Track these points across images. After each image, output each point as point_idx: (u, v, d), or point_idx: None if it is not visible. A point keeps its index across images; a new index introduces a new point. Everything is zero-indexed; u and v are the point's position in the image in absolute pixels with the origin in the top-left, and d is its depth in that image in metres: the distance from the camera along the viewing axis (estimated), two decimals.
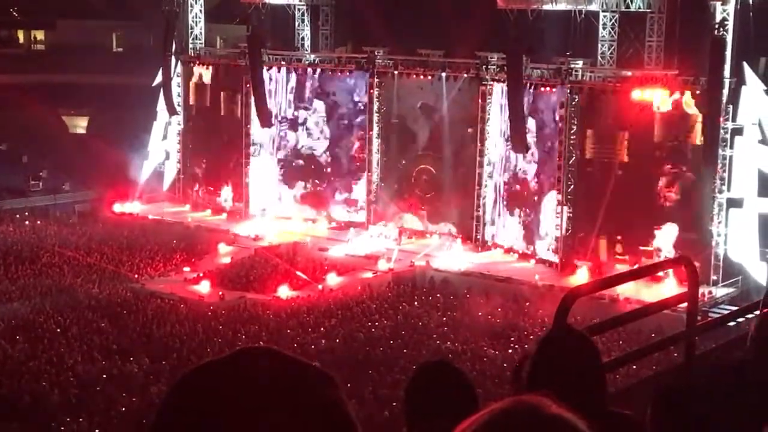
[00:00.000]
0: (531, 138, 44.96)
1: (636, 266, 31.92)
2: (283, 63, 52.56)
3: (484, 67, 46.58)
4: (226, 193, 54.29)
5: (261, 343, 33.12)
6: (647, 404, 3.32)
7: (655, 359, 21.17)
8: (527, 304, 38.79)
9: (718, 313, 29.06)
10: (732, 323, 7.13)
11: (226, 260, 45.93)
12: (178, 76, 55.38)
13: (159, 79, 55.23)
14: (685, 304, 5.80)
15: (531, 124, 44.93)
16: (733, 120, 40.68)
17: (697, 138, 41.11)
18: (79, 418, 26.41)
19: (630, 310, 4.98)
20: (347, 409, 1.59)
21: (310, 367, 1.63)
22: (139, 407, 26.93)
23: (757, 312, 5.39)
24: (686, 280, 5.78)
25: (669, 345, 6.27)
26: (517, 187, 46.21)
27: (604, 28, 47.48)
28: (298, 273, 43.39)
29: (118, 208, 53.55)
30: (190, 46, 55.23)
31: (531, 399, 1.62)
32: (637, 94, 42.15)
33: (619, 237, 42.60)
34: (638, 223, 41.61)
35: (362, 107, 50.91)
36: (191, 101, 55.19)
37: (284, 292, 40.88)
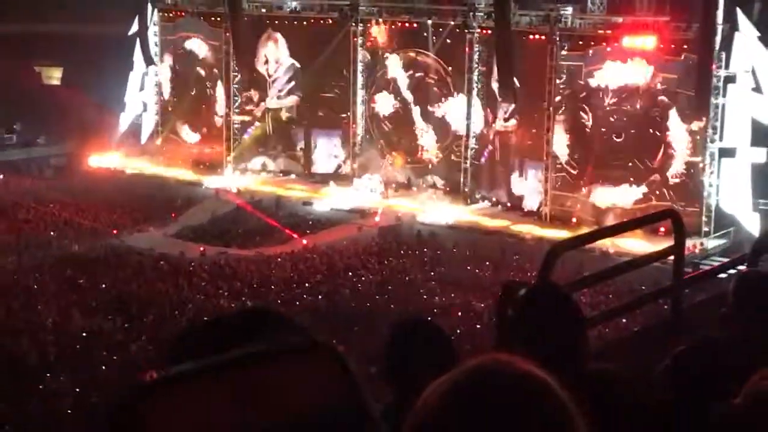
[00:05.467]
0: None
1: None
2: (263, 11, 52.24)
3: (471, 14, 46.36)
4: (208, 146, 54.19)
5: (243, 299, 33.29)
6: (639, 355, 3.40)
7: (644, 313, 21.33)
8: (516, 257, 38.94)
9: (710, 266, 29.25)
10: (723, 275, 7.22)
11: (207, 215, 45.88)
12: (155, 24, 54.97)
13: (135, 27, 54.81)
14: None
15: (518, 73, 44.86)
16: (726, 67, 40.66)
17: None
18: (59, 377, 26.51)
19: (615, 264, 5.04)
20: (358, 386, 1.52)
21: (319, 341, 1.59)
22: (120, 365, 27.02)
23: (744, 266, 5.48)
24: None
25: (655, 299, 6.35)
26: (508, 138, 46.20)
27: None
28: (282, 227, 43.44)
29: (94, 162, 53.33)
30: None
31: (501, 357, 1.63)
32: (627, 41, 42.06)
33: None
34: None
35: None
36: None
37: (267, 247, 40.94)
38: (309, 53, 51.20)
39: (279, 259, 39.03)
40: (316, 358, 1.50)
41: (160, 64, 55.38)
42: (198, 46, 53.83)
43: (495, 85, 45.61)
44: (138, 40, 54.83)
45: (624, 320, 21.29)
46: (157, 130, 56.03)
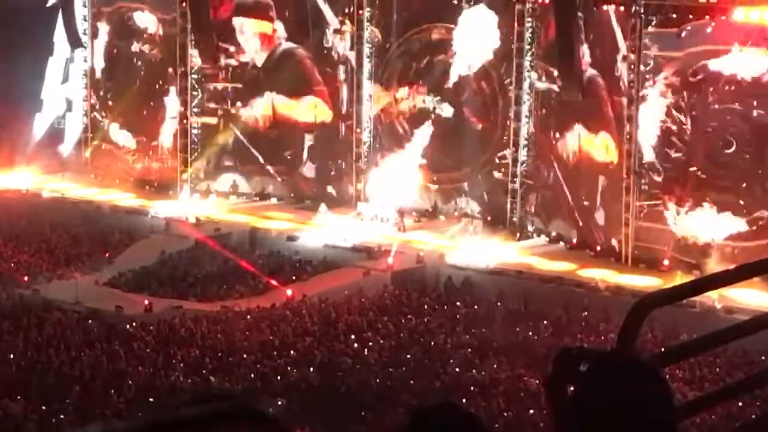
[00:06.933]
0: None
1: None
2: None
3: None
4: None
5: (204, 373, 33.21)
6: None
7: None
8: (585, 314, 38.86)
9: None
10: None
11: (155, 255, 45.94)
12: None
13: None
14: None
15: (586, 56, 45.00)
16: None
17: None
18: None
19: (727, 327, 4.88)
20: None
21: None
22: None
23: None
24: None
25: None
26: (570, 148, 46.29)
27: None
28: (258, 272, 43.43)
29: None
30: None
31: None
32: (741, 15, 42.06)
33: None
34: None
35: None
36: None
37: (237, 299, 40.92)
38: (295, 29, 51.52)
39: (254, 317, 38.99)
40: None
41: (90, 46, 55.59)
42: (143, 20, 54.06)
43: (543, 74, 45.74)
44: (60, 12, 55.08)
45: (739, 404, 21.19)
46: (86, 137, 56.18)
